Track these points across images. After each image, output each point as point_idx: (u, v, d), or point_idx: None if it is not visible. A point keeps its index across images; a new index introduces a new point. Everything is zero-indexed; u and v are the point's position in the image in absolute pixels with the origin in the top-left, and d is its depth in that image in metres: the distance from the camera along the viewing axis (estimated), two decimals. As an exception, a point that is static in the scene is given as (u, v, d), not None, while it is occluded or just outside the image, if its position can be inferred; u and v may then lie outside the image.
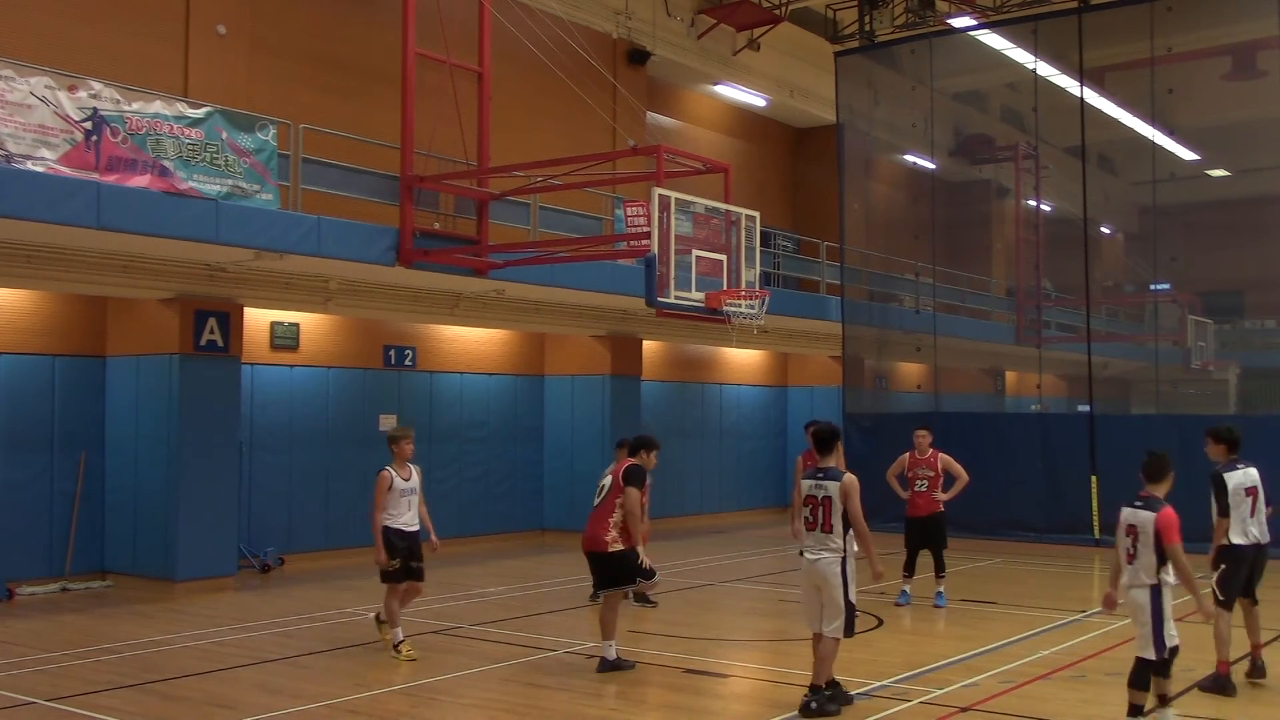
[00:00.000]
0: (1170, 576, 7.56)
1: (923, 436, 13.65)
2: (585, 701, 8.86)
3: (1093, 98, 20.66)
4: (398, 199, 14.23)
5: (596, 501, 9.95)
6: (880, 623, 12.25)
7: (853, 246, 22.88)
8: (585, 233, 16.92)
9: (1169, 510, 7.58)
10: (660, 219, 11.56)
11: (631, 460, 10.02)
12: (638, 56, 21.74)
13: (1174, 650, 7.59)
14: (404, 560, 10.39)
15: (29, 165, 10.99)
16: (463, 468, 18.91)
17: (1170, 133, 20.54)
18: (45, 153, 11.16)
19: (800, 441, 13.88)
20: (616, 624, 9.88)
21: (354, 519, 17.17)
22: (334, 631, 11.65)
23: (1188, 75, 20.95)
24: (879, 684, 9.30)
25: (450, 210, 15.16)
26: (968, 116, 25.39)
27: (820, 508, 8.46)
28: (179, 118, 12.30)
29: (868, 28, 22.02)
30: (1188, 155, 21.76)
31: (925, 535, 13.41)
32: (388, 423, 17.62)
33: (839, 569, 8.35)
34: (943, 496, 13.41)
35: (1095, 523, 18.65)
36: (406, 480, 10.53)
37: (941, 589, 13.27)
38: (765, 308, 12.59)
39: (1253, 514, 9.08)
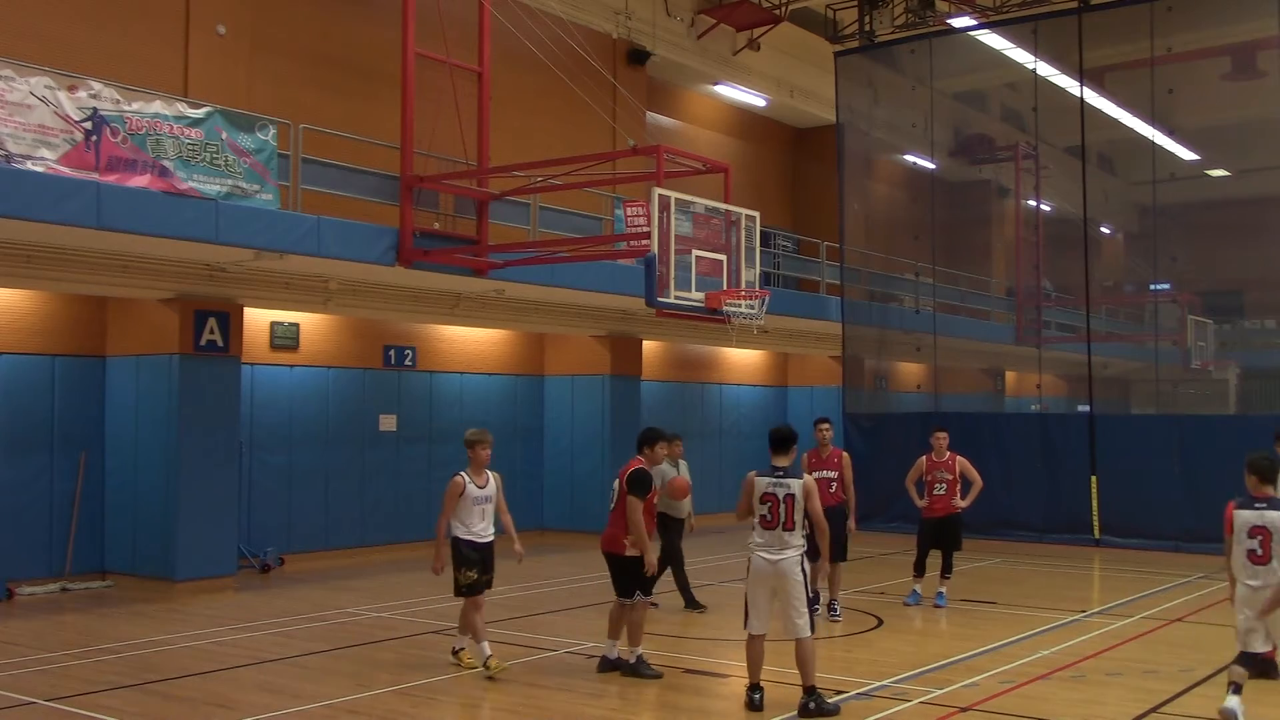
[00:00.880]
0: None
1: (941, 439, 13.31)
2: (585, 701, 8.86)
3: (1092, 98, 20.65)
4: (398, 199, 14.22)
5: (612, 503, 9.85)
6: (880, 623, 12.25)
7: (852, 246, 22.87)
8: (585, 233, 16.90)
9: None
10: (660, 219, 11.54)
11: (637, 462, 9.85)
12: (638, 56, 21.73)
13: None
14: (480, 573, 9.64)
15: (29, 165, 10.98)
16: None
17: (1170, 133, 20.54)
18: (45, 153, 11.15)
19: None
20: (623, 626, 9.71)
21: (354, 519, 17.21)
22: (334, 631, 11.64)
23: (1188, 75, 20.93)
24: (879, 684, 9.30)
25: (450, 210, 15.14)
26: (967, 116, 25.37)
27: (782, 505, 8.57)
28: (179, 118, 12.29)
29: (868, 28, 22.00)
30: (1188, 155, 21.74)
31: (940, 536, 13.24)
32: (387, 423, 17.62)
33: (799, 567, 8.46)
34: (962, 503, 13.18)
35: (1095, 523, 18.66)
36: (482, 488, 9.73)
37: (944, 589, 13.23)
38: (765, 308, 12.55)
39: None
